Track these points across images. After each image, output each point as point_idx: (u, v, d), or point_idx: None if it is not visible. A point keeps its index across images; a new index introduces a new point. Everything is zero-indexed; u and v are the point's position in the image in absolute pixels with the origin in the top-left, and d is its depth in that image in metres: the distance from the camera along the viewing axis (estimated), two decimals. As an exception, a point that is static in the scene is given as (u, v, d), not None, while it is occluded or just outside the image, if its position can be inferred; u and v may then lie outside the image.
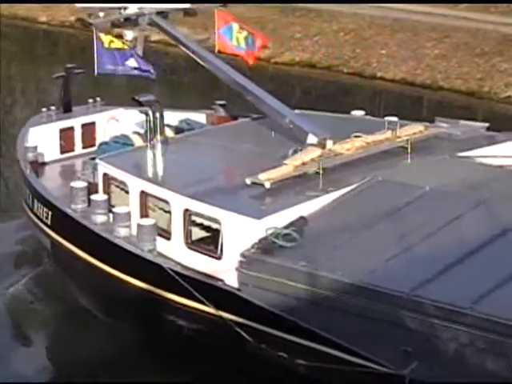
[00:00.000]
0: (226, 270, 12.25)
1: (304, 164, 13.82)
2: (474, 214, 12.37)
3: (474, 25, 31.68)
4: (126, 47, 16.29)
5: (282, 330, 11.68)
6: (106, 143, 16.98)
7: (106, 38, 15.98)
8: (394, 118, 16.36)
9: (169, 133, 16.55)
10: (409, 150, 14.60)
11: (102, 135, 18.19)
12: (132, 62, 15.99)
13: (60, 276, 15.98)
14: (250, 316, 11.90)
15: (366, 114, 17.56)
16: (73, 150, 18.15)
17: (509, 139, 15.52)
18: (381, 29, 32.84)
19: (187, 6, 17.48)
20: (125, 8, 16.88)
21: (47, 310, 15.86)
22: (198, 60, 16.87)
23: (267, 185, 13.16)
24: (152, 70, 16.17)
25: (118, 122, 18.45)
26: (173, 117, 17.59)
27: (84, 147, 18.19)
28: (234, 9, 35.77)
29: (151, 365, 13.27)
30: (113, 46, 15.91)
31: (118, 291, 13.75)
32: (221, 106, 18.28)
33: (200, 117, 18.25)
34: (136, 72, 16.14)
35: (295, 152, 14.23)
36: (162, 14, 17.09)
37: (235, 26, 16.98)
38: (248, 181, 13.32)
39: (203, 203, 12.78)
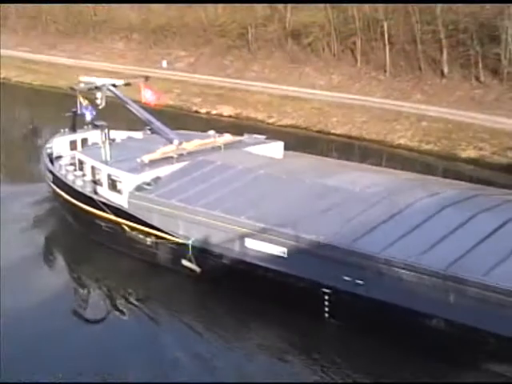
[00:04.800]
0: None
1: (165, 153, 28.51)
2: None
3: (387, 106, 53.24)
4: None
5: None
6: None
7: (82, 97, 31.35)
8: (229, 135, 31.12)
9: None
10: (222, 148, 29.26)
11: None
12: (91, 111, 31.36)
13: None
14: None
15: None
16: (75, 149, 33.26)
17: (265, 142, 30.23)
18: (333, 107, 54.63)
19: (123, 82, 33.10)
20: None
21: None
22: (134, 112, 32.11)
23: (146, 160, 27.78)
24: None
25: None
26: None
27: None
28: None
29: None
30: (84, 101, 31.19)
31: None
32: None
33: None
34: (91, 116, 31.31)
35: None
36: (114, 85, 32.97)
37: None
38: (138, 160, 27.63)
39: None
